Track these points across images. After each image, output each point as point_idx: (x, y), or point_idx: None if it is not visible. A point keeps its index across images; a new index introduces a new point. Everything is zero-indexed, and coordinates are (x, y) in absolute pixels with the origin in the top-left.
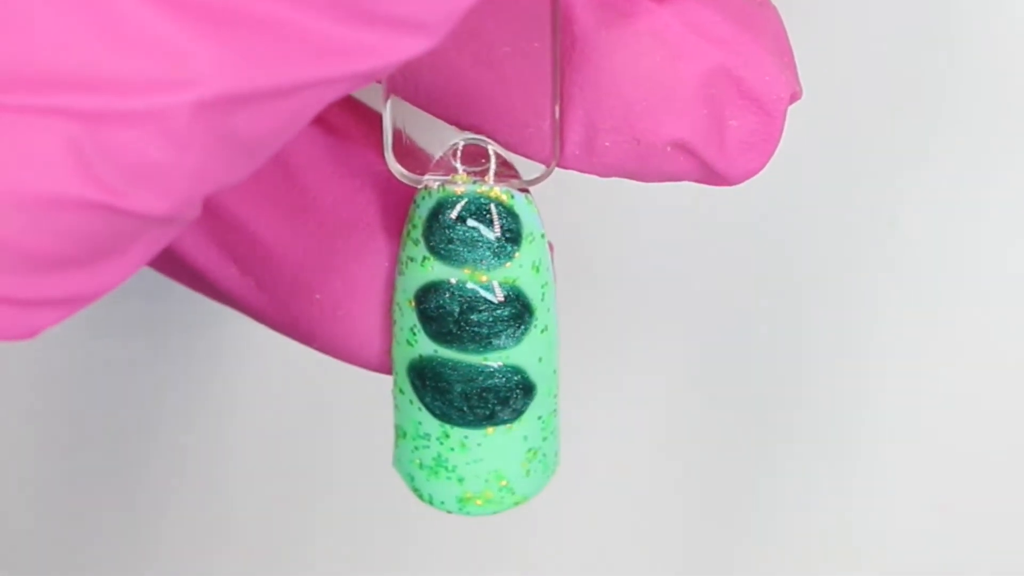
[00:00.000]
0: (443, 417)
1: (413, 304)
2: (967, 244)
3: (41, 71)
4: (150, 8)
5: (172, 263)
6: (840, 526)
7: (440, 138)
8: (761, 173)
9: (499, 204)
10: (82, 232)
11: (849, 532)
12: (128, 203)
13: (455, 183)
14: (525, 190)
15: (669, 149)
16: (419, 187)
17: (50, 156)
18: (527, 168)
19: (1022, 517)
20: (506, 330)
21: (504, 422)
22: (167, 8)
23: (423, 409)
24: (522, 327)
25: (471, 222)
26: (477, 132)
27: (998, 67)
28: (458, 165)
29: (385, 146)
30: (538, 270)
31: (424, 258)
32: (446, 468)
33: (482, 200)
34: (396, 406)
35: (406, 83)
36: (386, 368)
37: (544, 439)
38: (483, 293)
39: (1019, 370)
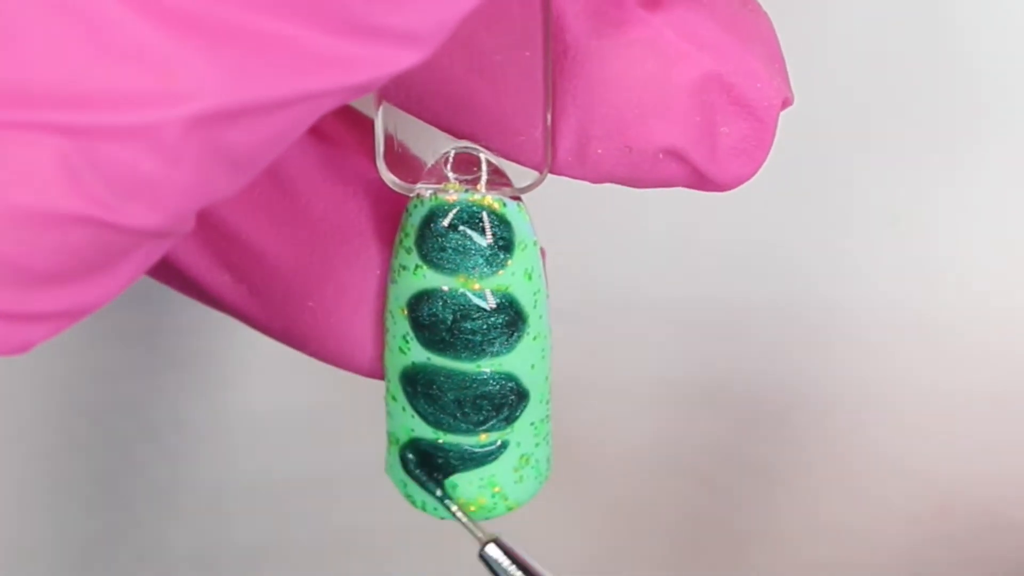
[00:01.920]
0: (436, 424)
1: (406, 312)
2: (964, 246)
3: (31, 86)
4: (142, 22)
5: (165, 270)
6: (836, 531)
7: (432, 145)
8: (753, 179)
9: (491, 212)
10: (74, 247)
11: (845, 536)
12: (120, 218)
13: (447, 191)
14: (517, 198)
15: (661, 156)
16: (411, 195)
17: (41, 171)
18: (519, 175)
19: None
20: (499, 338)
21: (497, 429)
22: (159, 22)
23: (416, 416)
24: (515, 334)
25: (463, 230)
26: (469, 140)
27: (991, 71)
28: (450, 173)
29: (377, 154)
30: (530, 277)
31: (416, 266)
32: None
33: (474, 208)
34: (389, 413)
35: (398, 90)
36: (378, 374)
37: (536, 445)
38: (476, 301)
39: (1019, 362)
